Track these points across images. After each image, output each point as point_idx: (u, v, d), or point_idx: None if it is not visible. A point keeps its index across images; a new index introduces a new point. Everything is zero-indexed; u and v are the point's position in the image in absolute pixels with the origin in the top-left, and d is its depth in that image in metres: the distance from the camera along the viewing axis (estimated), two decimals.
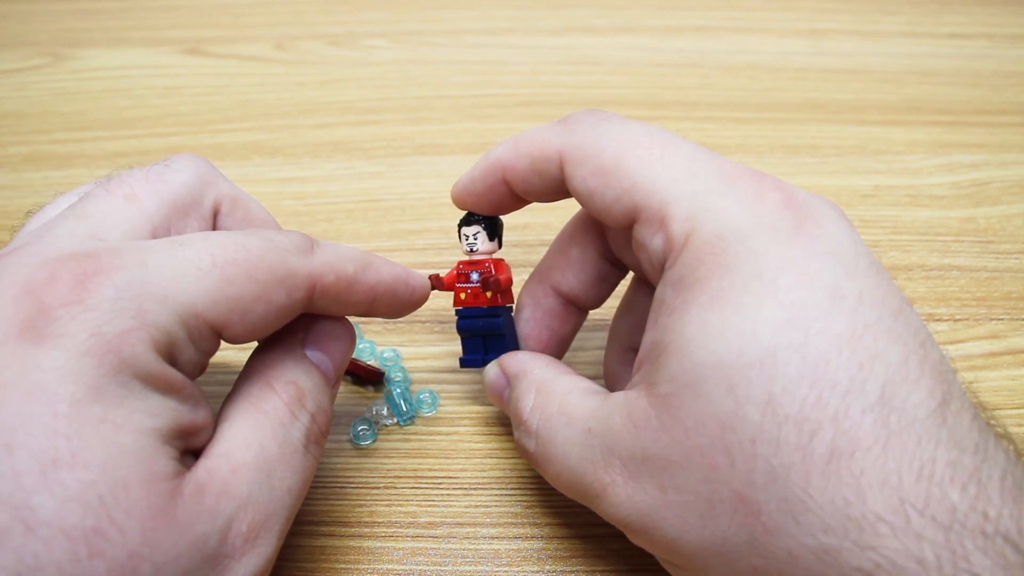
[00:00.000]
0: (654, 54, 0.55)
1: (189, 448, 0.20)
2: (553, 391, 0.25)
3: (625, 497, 0.21)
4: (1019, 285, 0.37)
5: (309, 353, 0.24)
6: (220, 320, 0.20)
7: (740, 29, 0.58)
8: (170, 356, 0.20)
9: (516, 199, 0.27)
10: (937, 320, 0.36)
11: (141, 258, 0.20)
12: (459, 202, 0.28)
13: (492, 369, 0.28)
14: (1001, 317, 0.36)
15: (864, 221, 0.41)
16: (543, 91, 0.51)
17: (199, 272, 0.20)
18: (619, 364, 0.29)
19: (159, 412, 0.19)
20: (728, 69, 0.54)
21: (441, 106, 0.50)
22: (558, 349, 0.29)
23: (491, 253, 0.28)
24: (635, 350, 0.26)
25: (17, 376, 0.17)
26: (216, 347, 0.22)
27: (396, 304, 0.26)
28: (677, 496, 0.20)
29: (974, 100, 0.50)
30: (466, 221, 0.28)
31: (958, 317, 0.36)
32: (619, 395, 0.22)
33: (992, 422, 0.20)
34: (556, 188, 0.25)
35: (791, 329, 0.19)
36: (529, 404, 0.25)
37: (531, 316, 0.29)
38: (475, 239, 0.28)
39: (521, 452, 0.25)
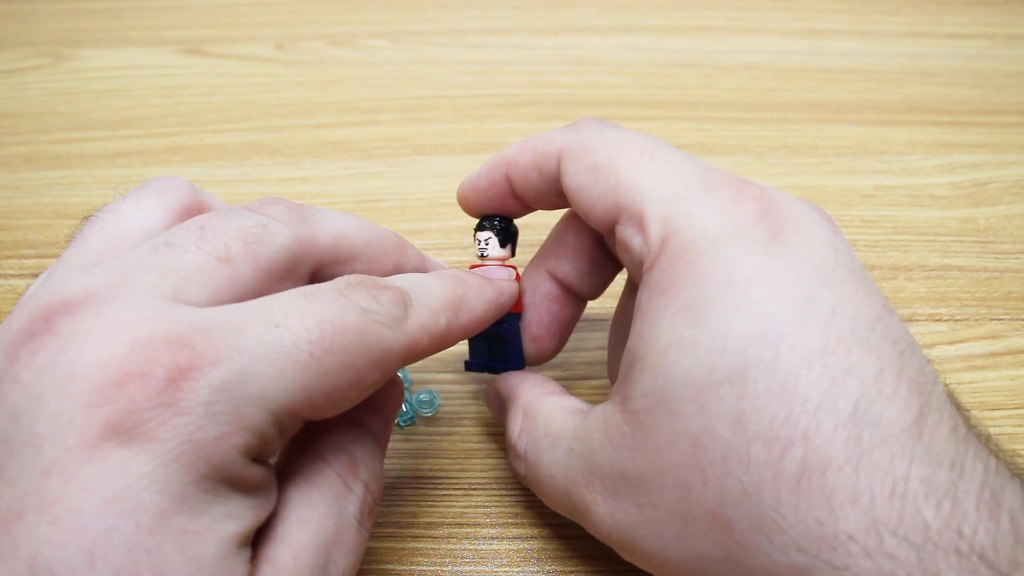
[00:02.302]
0: (654, 54, 0.55)
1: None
2: (538, 413, 0.25)
3: (607, 515, 0.21)
4: (1019, 285, 0.37)
5: (359, 415, 0.23)
6: (313, 411, 0.19)
7: (740, 29, 0.58)
8: (258, 454, 0.19)
9: (516, 201, 0.27)
10: (937, 320, 0.36)
11: (236, 346, 0.18)
12: (462, 198, 0.28)
13: (490, 391, 0.28)
14: (1001, 317, 0.36)
15: (864, 221, 0.41)
16: (543, 91, 0.51)
17: (296, 365, 0.18)
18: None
19: (241, 514, 0.18)
20: (728, 69, 0.53)
21: (441, 106, 0.50)
22: (559, 334, 0.29)
23: (503, 260, 0.28)
24: None
25: (100, 478, 0.16)
26: (301, 427, 0.20)
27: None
28: (653, 514, 0.20)
29: (974, 100, 0.50)
30: (479, 226, 0.28)
31: (958, 317, 0.36)
32: (597, 411, 0.22)
33: (974, 423, 0.19)
34: (552, 188, 0.25)
35: (762, 344, 0.19)
36: (517, 428, 0.25)
37: (530, 301, 0.28)
38: (486, 244, 0.28)
39: (515, 475, 0.26)
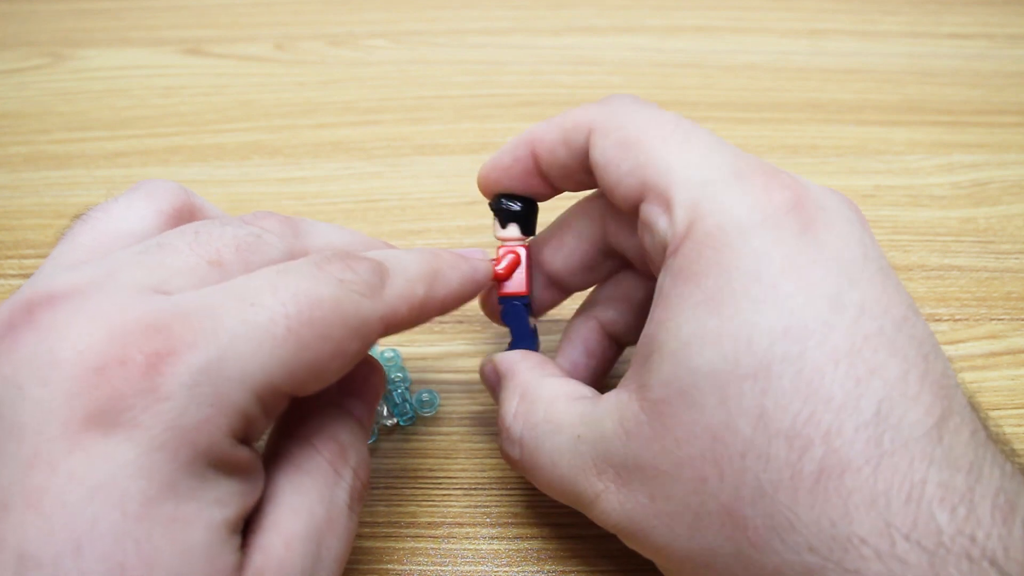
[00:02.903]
0: (654, 54, 0.55)
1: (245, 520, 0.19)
2: (538, 397, 0.24)
3: (617, 504, 0.21)
4: (1019, 285, 0.37)
5: (343, 400, 0.23)
6: (295, 386, 0.19)
7: (740, 29, 0.58)
8: (244, 435, 0.19)
9: (541, 180, 0.26)
10: (937, 320, 0.36)
11: (214, 328, 0.18)
12: (482, 178, 0.27)
13: (488, 366, 0.28)
14: (1001, 317, 0.36)
15: None
16: (543, 91, 0.51)
17: (274, 341, 0.18)
18: (580, 326, 0.29)
19: (229, 499, 0.18)
20: (728, 69, 0.53)
21: (441, 106, 0.50)
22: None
23: (518, 240, 0.28)
24: (600, 322, 0.28)
25: (85, 468, 0.16)
26: (285, 407, 0.20)
27: (461, 303, 0.25)
28: (666, 506, 0.20)
29: (974, 100, 0.50)
30: (490, 205, 0.28)
31: (958, 317, 0.36)
32: (610, 398, 0.22)
33: (992, 426, 0.19)
34: (580, 164, 0.25)
35: (788, 340, 0.19)
36: (512, 409, 0.25)
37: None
38: (495, 223, 0.28)
39: (505, 459, 0.25)
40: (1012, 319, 0.36)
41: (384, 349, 0.34)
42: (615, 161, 0.23)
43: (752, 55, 0.55)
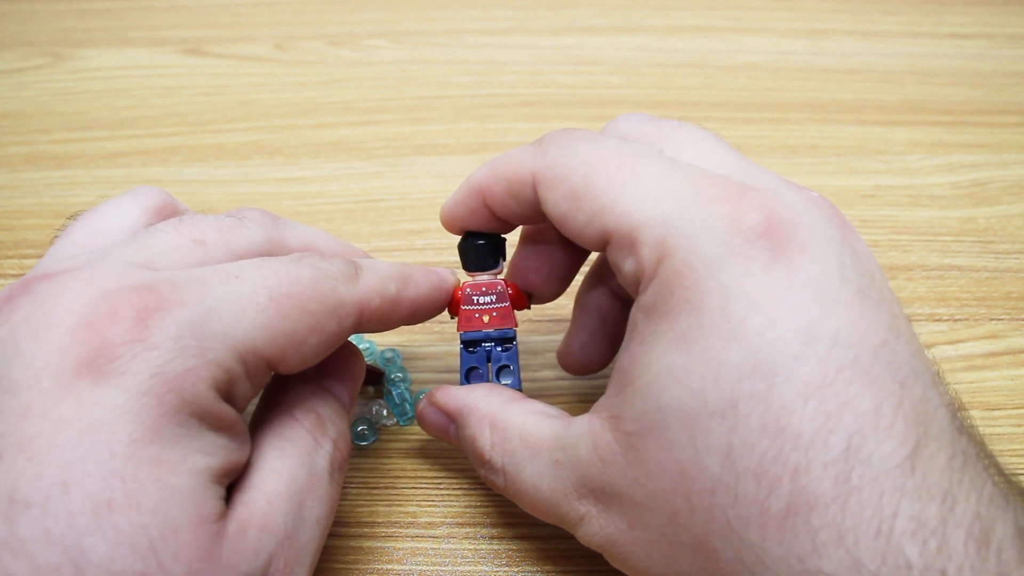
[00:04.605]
0: (654, 54, 0.55)
1: (231, 482, 0.20)
2: (509, 423, 0.24)
3: (599, 528, 0.22)
4: (1019, 285, 0.37)
5: (325, 382, 0.24)
6: (276, 354, 0.20)
7: (740, 29, 0.58)
8: (227, 393, 0.20)
9: (501, 221, 0.26)
10: (937, 320, 0.36)
11: (200, 292, 0.19)
12: (446, 225, 0.27)
13: (428, 409, 0.27)
14: (1001, 317, 0.36)
15: (864, 221, 0.41)
16: (543, 91, 0.51)
17: (256, 307, 0.20)
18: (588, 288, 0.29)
19: (212, 451, 0.19)
20: (728, 69, 0.53)
21: (441, 106, 0.50)
22: (558, 284, 0.28)
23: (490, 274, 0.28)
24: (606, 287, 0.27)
25: (75, 413, 0.17)
26: (268, 379, 0.21)
27: (434, 311, 0.26)
28: (643, 533, 0.20)
29: (974, 100, 0.50)
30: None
31: (958, 317, 0.36)
32: (582, 423, 0.22)
33: (976, 446, 0.19)
34: (534, 211, 0.24)
35: (755, 377, 0.18)
36: (487, 442, 0.24)
37: (532, 248, 0.28)
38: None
39: (490, 486, 0.25)
40: (1012, 319, 0.36)
41: (384, 349, 0.34)
42: (571, 214, 0.22)
43: (752, 55, 0.55)
